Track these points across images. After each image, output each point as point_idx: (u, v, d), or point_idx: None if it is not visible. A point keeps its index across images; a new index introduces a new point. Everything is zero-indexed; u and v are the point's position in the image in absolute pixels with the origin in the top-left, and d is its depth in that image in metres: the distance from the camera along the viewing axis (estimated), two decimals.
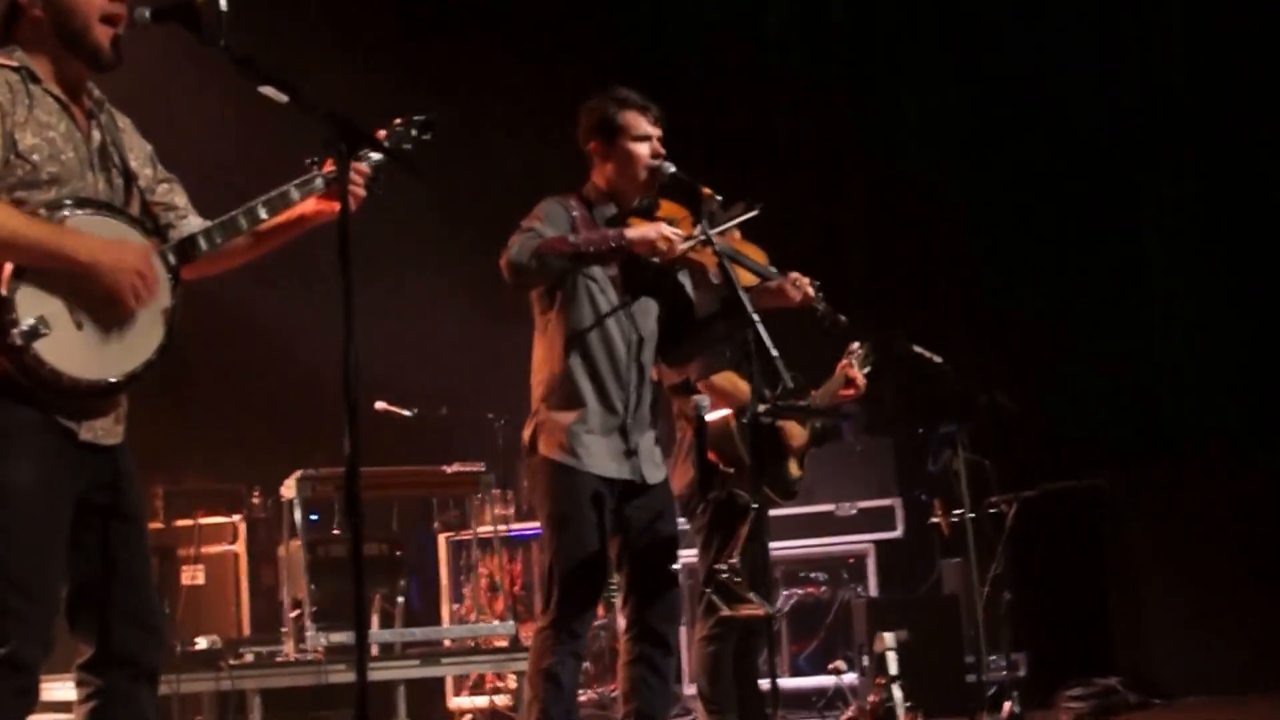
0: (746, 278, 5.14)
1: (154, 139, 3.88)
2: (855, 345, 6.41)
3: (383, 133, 3.97)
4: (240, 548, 8.96)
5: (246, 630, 8.74)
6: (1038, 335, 9.49)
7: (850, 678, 8.12)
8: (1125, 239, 9.78)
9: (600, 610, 8.83)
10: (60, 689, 4.72)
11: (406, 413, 8.63)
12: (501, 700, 8.89)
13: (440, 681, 9.11)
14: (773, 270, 5.35)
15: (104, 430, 3.58)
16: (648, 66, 10.06)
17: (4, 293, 3.33)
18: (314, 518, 8.40)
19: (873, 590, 8.80)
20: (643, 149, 4.99)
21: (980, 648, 6.84)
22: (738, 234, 5.85)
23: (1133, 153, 9.87)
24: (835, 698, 8.23)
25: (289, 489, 7.97)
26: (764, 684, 6.14)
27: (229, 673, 7.36)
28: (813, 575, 8.84)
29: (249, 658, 7.83)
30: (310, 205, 3.85)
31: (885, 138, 10.33)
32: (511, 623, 8.14)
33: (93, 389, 3.48)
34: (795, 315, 5.43)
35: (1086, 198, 9.74)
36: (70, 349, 3.40)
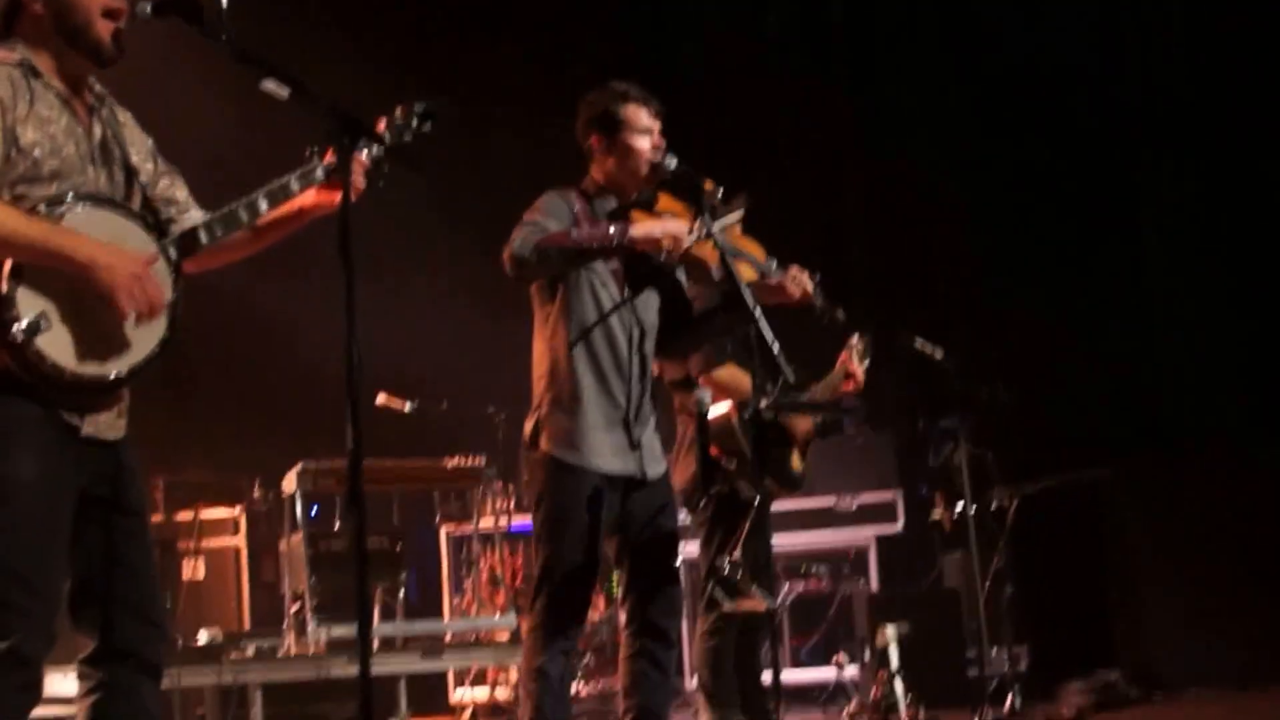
0: (747, 273, 5.13)
1: (154, 133, 3.88)
2: (855, 339, 6.40)
3: (383, 123, 3.96)
4: (241, 541, 8.97)
5: (247, 624, 8.75)
6: (1039, 330, 9.49)
7: (851, 671, 8.12)
8: (1126, 235, 9.78)
9: (602, 604, 8.84)
10: (62, 682, 4.71)
11: (407, 406, 8.63)
12: (503, 694, 8.91)
13: (442, 675, 9.13)
14: (773, 265, 5.34)
15: (106, 425, 3.58)
16: (648, 64, 10.05)
17: (4, 289, 3.32)
18: (314, 511, 8.40)
19: (874, 584, 8.80)
20: (644, 142, 4.98)
21: (982, 641, 6.84)
22: (738, 229, 5.84)
23: (1133, 149, 9.88)
24: (837, 691, 8.23)
25: (290, 482, 7.99)
26: (766, 677, 6.14)
27: (230, 667, 7.37)
28: (814, 569, 8.83)
29: (250, 652, 7.85)
30: (310, 197, 3.84)
31: (886, 135, 10.33)
32: (513, 616, 8.15)
33: (94, 384, 3.47)
34: (794, 310, 5.42)
35: (1087, 194, 9.75)
36: (71, 344, 3.40)
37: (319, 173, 3.78)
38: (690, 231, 4.82)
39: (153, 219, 3.66)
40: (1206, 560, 8.28)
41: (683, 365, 6.02)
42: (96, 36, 3.55)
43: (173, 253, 3.61)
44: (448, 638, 8.44)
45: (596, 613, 8.90)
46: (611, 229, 4.78)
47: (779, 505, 7.33)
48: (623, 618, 5.05)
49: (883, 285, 9.83)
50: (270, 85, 3.52)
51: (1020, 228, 9.77)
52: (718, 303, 5.25)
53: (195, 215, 3.80)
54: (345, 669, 7.44)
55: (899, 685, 6.56)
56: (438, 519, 9.54)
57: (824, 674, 8.48)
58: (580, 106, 5.10)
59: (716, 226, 4.91)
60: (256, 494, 9.22)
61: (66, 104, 3.57)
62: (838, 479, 8.82)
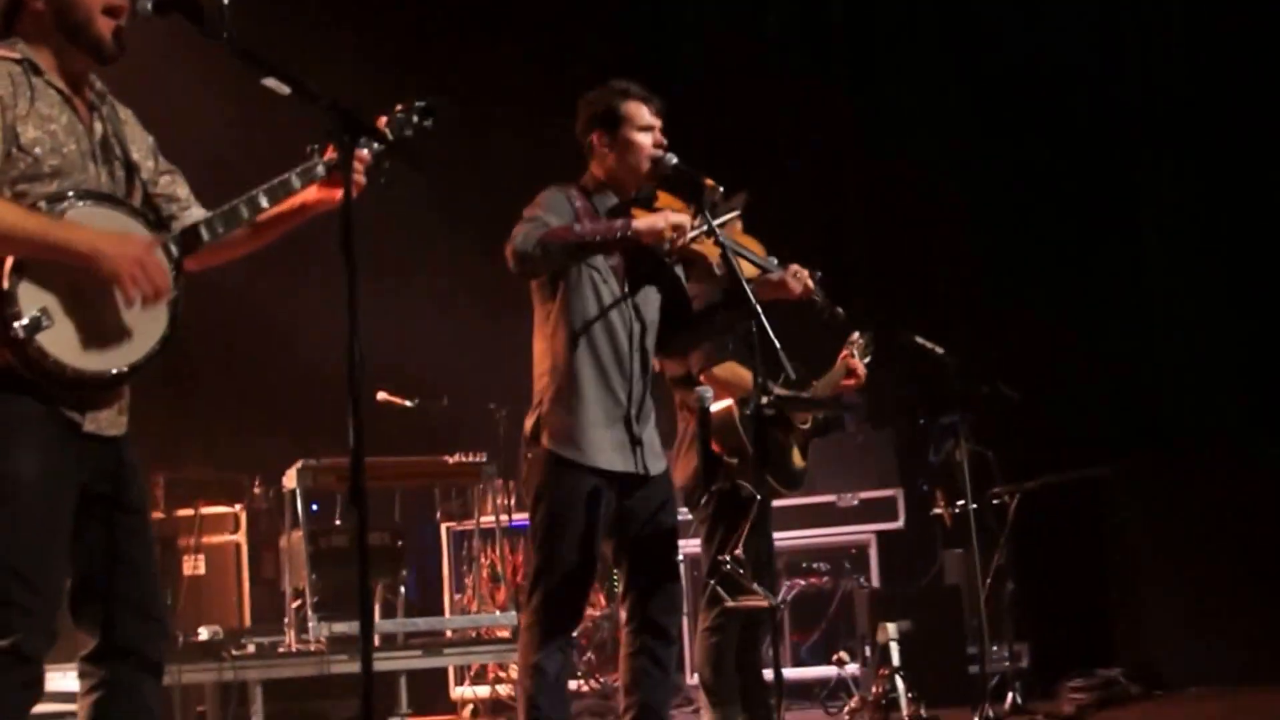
0: (747, 269, 5.13)
1: (155, 131, 3.88)
2: (856, 335, 6.40)
3: (384, 119, 3.96)
4: (241, 538, 8.97)
5: (247, 621, 8.75)
6: (1039, 328, 9.48)
7: (852, 668, 8.12)
8: (1127, 234, 9.77)
9: (602, 601, 8.85)
10: (62, 679, 4.72)
11: (408, 403, 8.63)
12: (504, 690, 8.91)
13: (442, 672, 9.13)
14: (773, 262, 5.34)
15: (107, 421, 3.58)
16: (648, 64, 10.05)
17: (5, 286, 3.32)
18: (315, 508, 8.40)
19: (874, 581, 8.80)
20: (645, 139, 4.98)
21: (983, 639, 6.84)
22: (739, 226, 5.84)
23: (1133, 149, 9.87)
24: (837, 688, 8.23)
25: (290, 479, 7.99)
26: (767, 674, 6.14)
27: (231, 663, 7.37)
28: (814, 566, 8.84)
29: (251, 648, 7.85)
30: (312, 193, 3.84)
31: (886, 134, 10.32)
32: (514, 613, 8.15)
33: (96, 380, 3.47)
34: (795, 306, 5.43)
35: (1087, 193, 9.73)
36: (73, 341, 3.40)
37: (320, 169, 3.78)
38: (691, 226, 4.83)
39: (154, 216, 3.66)
40: (1207, 558, 8.28)
41: (684, 362, 6.02)
42: (97, 34, 3.55)
43: (174, 249, 3.61)
44: (448, 634, 8.44)
45: (597, 610, 8.91)
46: (616, 223, 4.79)
47: (780, 502, 7.32)
48: (623, 615, 5.05)
49: (883, 284, 9.82)
50: (271, 82, 3.52)
51: (1021, 227, 9.77)
52: (718, 300, 5.26)
53: (196, 213, 3.80)
54: (346, 665, 7.45)
55: (900, 683, 6.55)
56: (438, 515, 9.54)
57: (825, 671, 8.48)
58: (581, 104, 5.10)
59: (717, 223, 4.91)
60: (257, 491, 9.22)
61: (67, 101, 3.57)
62: (839, 476, 8.81)
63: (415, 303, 9.43)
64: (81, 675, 3.62)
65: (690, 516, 6.20)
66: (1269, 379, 8.98)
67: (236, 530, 8.99)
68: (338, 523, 8.47)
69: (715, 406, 5.61)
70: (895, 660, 6.62)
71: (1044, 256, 9.74)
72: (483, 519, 8.77)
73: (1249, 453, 8.41)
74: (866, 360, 6.35)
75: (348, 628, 7.52)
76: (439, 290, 9.79)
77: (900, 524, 8.90)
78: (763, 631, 6.22)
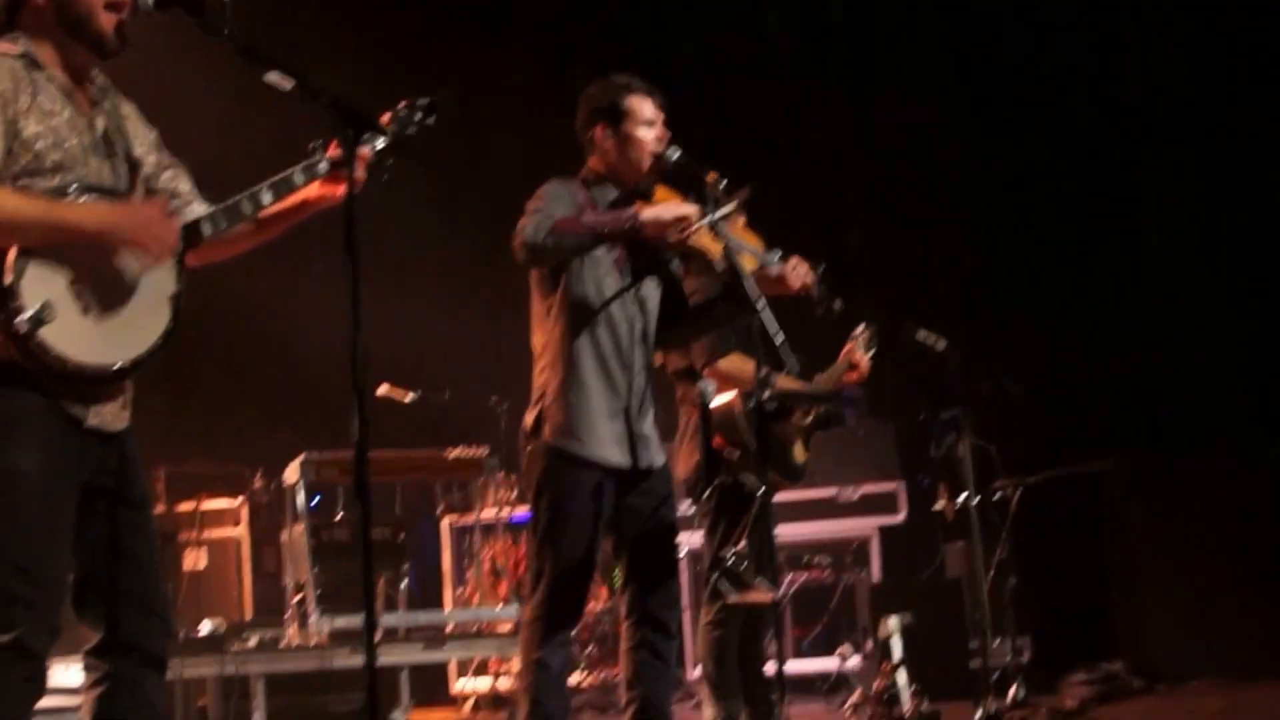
0: (747, 263, 5.13)
1: (156, 126, 3.87)
2: (861, 329, 6.40)
3: (386, 116, 3.97)
4: (242, 532, 8.97)
5: (249, 615, 8.75)
6: (1042, 322, 9.48)
7: (854, 662, 8.12)
8: (1128, 231, 9.78)
9: (604, 593, 8.84)
10: (64, 674, 4.72)
11: (409, 397, 8.62)
12: (505, 684, 8.91)
13: (444, 666, 9.13)
14: (775, 255, 5.33)
15: (110, 416, 3.58)
16: (647, 52, 10.06)
17: (8, 280, 3.32)
18: (315, 502, 8.40)
19: (876, 575, 8.80)
20: (649, 134, 4.98)
21: (985, 632, 6.84)
22: (741, 220, 5.84)
23: (1134, 146, 9.87)
24: (839, 682, 8.23)
25: (292, 473, 7.98)
26: (768, 668, 6.14)
27: (233, 657, 7.37)
28: (816, 559, 8.83)
29: (252, 642, 7.84)
30: (314, 190, 3.85)
31: (886, 131, 10.32)
32: (515, 607, 8.15)
33: (99, 375, 3.47)
34: (796, 299, 5.42)
35: (1088, 190, 9.74)
36: (76, 335, 3.40)
37: (322, 166, 3.79)
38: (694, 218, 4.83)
39: None
40: (1209, 553, 8.28)
41: (686, 355, 6.02)
42: (99, 28, 3.55)
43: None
44: (450, 628, 8.44)
45: (598, 603, 8.91)
46: (623, 213, 4.79)
47: (781, 496, 7.32)
48: (622, 609, 5.05)
49: (885, 279, 9.82)
50: (274, 78, 3.52)
51: (1023, 222, 9.77)
52: (718, 293, 5.25)
53: (198, 208, 3.80)
54: (348, 660, 7.45)
55: (902, 676, 6.55)
56: (440, 510, 9.54)
57: (826, 665, 8.48)
58: (582, 97, 5.10)
59: (718, 215, 4.91)
60: (258, 485, 9.21)
61: (69, 96, 3.57)
62: (840, 470, 8.81)
63: (416, 296, 9.41)
64: (85, 669, 3.63)
65: (692, 510, 6.20)
66: (1270, 376, 8.98)
67: (238, 524, 8.99)
68: (339, 516, 8.46)
69: (717, 400, 5.60)
70: (897, 654, 6.62)
71: (1046, 252, 9.74)
72: (484, 513, 8.76)
73: (1251, 448, 8.41)
74: (871, 353, 6.35)
75: (349, 622, 7.52)
76: (440, 284, 9.78)
77: (901, 518, 8.91)
78: (764, 625, 6.22)
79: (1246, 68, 9.29)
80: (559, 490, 4.83)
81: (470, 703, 9.20)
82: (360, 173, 3.67)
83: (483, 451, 8.27)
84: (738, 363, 5.95)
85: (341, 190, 3.72)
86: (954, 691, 7.29)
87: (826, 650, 8.54)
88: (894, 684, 6.53)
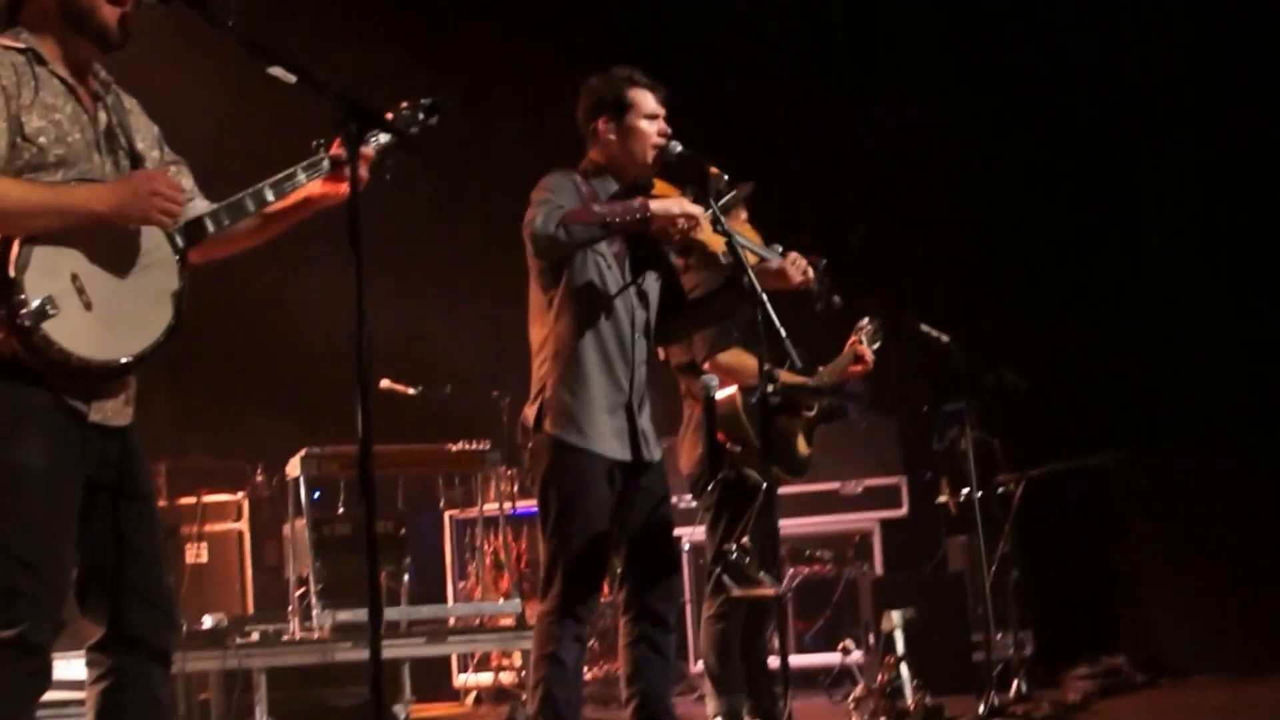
0: (748, 258, 5.13)
1: (157, 121, 3.87)
2: (865, 322, 6.40)
3: (389, 116, 3.96)
4: (244, 525, 8.97)
5: (250, 609, 8.75)
6: (1044, 315, 9.47)
7: (856, 656, 8.12)
8: (1131, 224, 9.77)
9: (606, 588, 8.84)
10: (67, 666, 4.72)
11: (411, 391, 8.62)
12: (507, 678, 8.91)
13: (445, 659, 9.13)
14: (776, 250, 5.33)
15: (113, 411, 3.58)
16: (646, 41, 10.04)
17: (12, 273, 3.32)
18: (317, 495, 8.40)
19: (878, 568, 8.80)
20: (652, 127, 4.98)
21: (988, 626, 6.83)
22: (743, 214, 5.84)
23: (1135, 139, 9.86)
24: (841, 676, 8.23)
25: (294, 467, 7.98)
26: (771, 661, 6.14)
27: (235, 651, 7.37)
28: (818, 553, 8.83)
29: (255, 636, 7.84)
30: (317, 188, 3.85)
31: (887, 120, 10.30)
32: (517, 601, 8.15)
33: (102, 369, 3.47)
34: (798, 295, 5.42)
35: (1091, 183, 9.73)
36: (79, 329, 3.40)
37: (325, 164, 3.79)
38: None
39: None
40: (1212, 546, 8.26)
41: (687, 350, 6.02)
42: (103, 21, 3.54)
43: (179, 241, 3.61)
44: (452, 622, 8.44)
45: (601, 597, 8.90)
46: (633, 203, 4.78)
47: (783, 489, 7.31)
48: (620, 605, 5.04)
49: (886, 274, 9.81)
50: (277, 71, 3.51)
51: (1024, 218, 9.76)
52: (719, 287, 5.25)
53: (200, 204, 3.80)
54: (350, 653, 7.44)
55: (905, 670, 6.54)
56: (441, 504, 9.53)
57: (828, 658, 8.48)
58: (584, 89, 5.10)
59: (720, 208, 4.90)
60: (259, 479, 9.21)
61: (71, 91, 3.56)
62: (842, 463, 8.80)
63: (418, 291, 9.41)
64: (89, 664, 3.63)
65: (695, 504, 6.20)
66: (1272, 369, 8.97)
67: (239, 518, 8.99)
68: (341, 510, 8.46)
69: (719, 395, 5.60)
70: (900, 648, 6.61)
71: (1047, 247, 9.73)
72: (486, 507, 8.76)
73: (1254, 442, 8.39)
74: (876, 346, 6.35)
75: (351, 615, 7.52)
76: (442, 278, 9.78)
77: (904, 511, 8.90)
78: (767, 619, 6.22)
79: (1246, 64, 9.28)
80: (568, 482, 4.83)
81: (472, 697, 9.20)
82: (362, 172, 3.66)
83: (484, 445, 8.26)
84: (738, 357, 5.95)
85: (344, 189, 3.72)
86: (956, 685, 7.29)
87: (828, 644, 8.53)
88: (897, 678, 6.52)
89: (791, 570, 8.67)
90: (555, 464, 4.85)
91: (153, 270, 3.55)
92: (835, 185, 10.55)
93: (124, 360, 3.49)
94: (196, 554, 8.78)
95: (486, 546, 8.96)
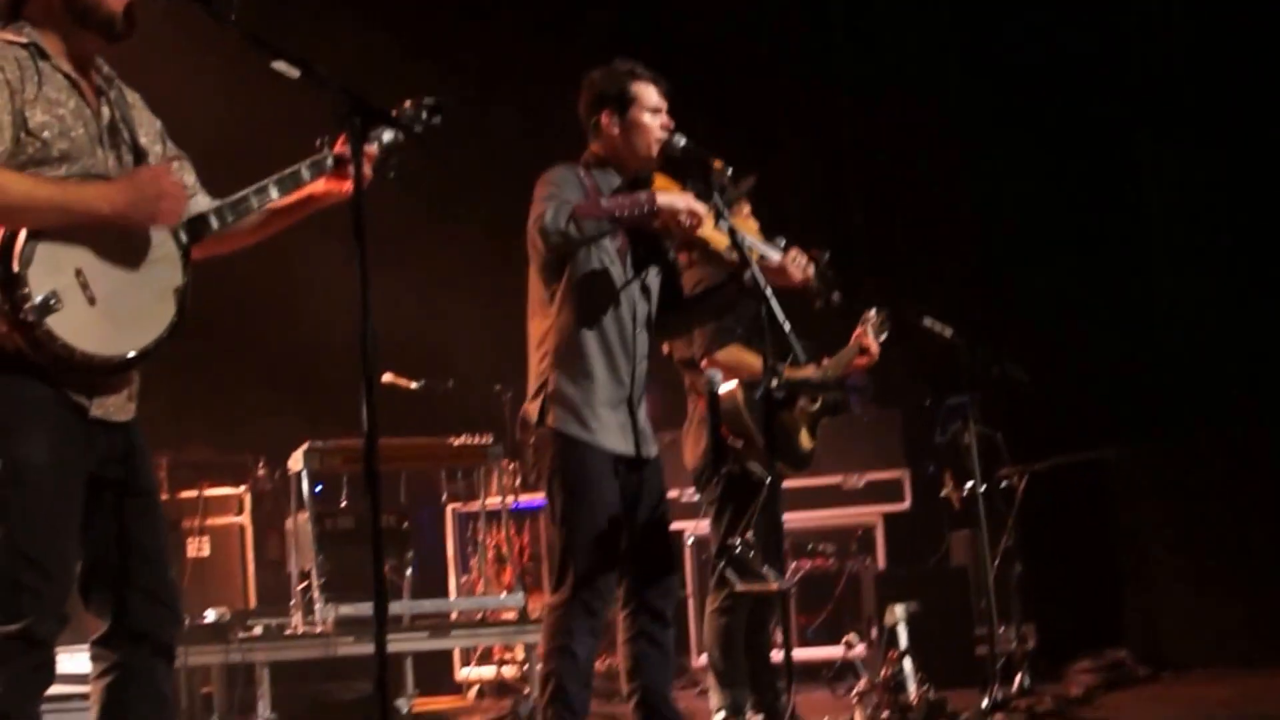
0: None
1: (160, 116, 3.86)
2: (872, 313, 6.39)
3: (393, 114, 3.96)
4: (246, 519, 8.96)
5: (252, 602, 8.74)
6: (1048, 308, 9.47)
7: (859, 650, 8.11)
8: (1136, 214, 9.76)
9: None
10: (69, 660, 4.71)
11: (413, 385, 8.60)
12: (509, 672, 8.91)
13: (448, 653, 9.13)
14: (778, 245, 5.32)
15: (115, 407, 3.58)
16: (646, 32, 10.04)
17: (16, 268, 3.32)
18: (318, 489, 8.39)
19: (881, 562, 8.79)
20: (655, 121, 4.97)
21: (991, 620, 6.83)
22: (746, 209, 5.83)
23: (1140, 128, 9.85)
24: (844, 669, 8.22)
25: (296, 461, 7.97)
26: (776, 656, 6.14)
27: (238, 645, 7.36)
28: (821, 547, 8.83)
29: (257, 630, 7.83)
30: (320, 185, 3.86)
31: (890, 110, 10.28)
32: (520, 595, 8.13)
33: (105, 365, 3.47)
34: (801, 290, 5.40)
35: (1095, 174, 9.72)
36: (82, 324, 3.40)
37: (329, 162, 3.79)
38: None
39: None
40: (1215, 540, 8.28)
41: (689, 344, 6.02)
42: (108, 11, 3.54)
43: (183, 237, 3.61)
44: (454, 616, 8.43)
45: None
46: (639, 196, 4.77)
47: (785, 483, 7.31)
48: (619, 600, 5.04)
49: (890, 266, 9.81)
50: (281, 66, 3.51)
51: (1027, 211, 9.75)
52: (720, 282, 5.24)
53: (202, 200, 3.80)
54: (353, 647, 7.43)
55: (908, 664, 6.54)
56: (444, 497, 9.53)
57: (831, 652, 8.47)
58: (586, 82, 5.09)
59: (723, 202, 4.90)
60: (261, 472, 9.20)
61: (74, 85, 3.56)
62: (845, 457, 8.80)
63: (420, 284, 9.40)
64: (93, 659, 3.64)
65: (699, 497, 6.20)
66: (1275, 363, 8.96)
67: (241, 512, 8.98)
68: (344, 504, 8.45)
69: (721, 390, 5.60)
70: (903, 642, 6.61)
71: (1051, 240, 9.72)
72: (488, 500, 8.75)
73: (1258, 435, 8.40)
74: (883, 338, 6.34)
75: (354, 609, 7.51)
76: (444, 272, 9.76)
77: (906, 505, 8.90)
78: (770, 613, 6.22)
79: (1248, 57, 9.28)
80: (574, 475, 4.82)
81: (474, 691, 9.20)
82: (365, 170, 3.66)
83: (487, 439, 8.24)
84: (736, 355, 5.95)
85: (346, 186, 3.72)
86: (960, 679, 7.28)
87: (831, 638, 8.52)
88: (900, 672, 6.52)
89: (794, 564, 8.67)
90: (561, 458, 4.85)
91: (157, 266, 3.55)
92: (836, 179, 10.53)
93: (127, 356, 3.50)
94: (198, 548, 8.77)
95: (489, 540, 8.95)
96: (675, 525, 8.08)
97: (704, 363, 5.93)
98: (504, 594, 8.53)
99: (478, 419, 8.57)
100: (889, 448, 9.00)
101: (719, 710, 6.04)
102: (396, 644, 7.65)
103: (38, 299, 3.32)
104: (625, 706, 5.02)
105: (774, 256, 5.19)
